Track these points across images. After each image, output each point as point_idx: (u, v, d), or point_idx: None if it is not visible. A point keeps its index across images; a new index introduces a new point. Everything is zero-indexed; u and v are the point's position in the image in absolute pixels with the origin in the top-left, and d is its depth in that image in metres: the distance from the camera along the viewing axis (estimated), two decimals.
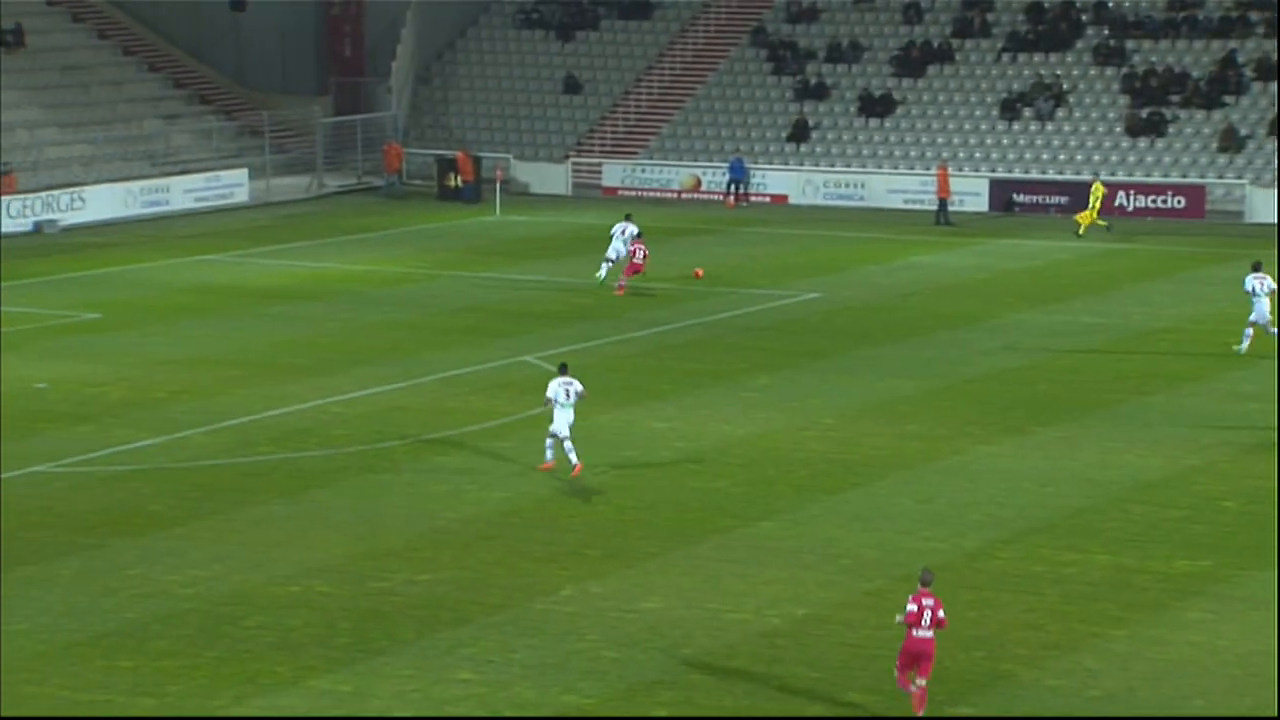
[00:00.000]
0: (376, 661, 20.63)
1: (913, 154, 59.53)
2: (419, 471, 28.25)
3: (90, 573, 23.58)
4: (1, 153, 56.06)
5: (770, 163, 60.09)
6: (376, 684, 20.05)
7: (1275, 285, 35.27)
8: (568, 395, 27.61)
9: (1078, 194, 55.95)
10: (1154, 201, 55.41)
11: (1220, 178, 55.99)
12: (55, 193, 54.63)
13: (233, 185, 58.94)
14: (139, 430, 30.62)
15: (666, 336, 38.26)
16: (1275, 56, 58.14)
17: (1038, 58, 61.00)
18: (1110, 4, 61.74)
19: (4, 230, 51.86)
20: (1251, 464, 28.48)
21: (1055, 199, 56.19)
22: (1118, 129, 58.39)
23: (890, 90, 61.32)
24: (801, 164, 59.94)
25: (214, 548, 24.55)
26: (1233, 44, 59.24)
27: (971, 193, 56.25)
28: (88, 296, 43.12)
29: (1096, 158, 57.89)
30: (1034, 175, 57.54)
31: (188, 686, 20.00)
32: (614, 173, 60.93)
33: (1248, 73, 58.33)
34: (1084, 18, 61.64)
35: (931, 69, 61.69)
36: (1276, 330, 35.38)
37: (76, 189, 55.38)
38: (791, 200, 58.50)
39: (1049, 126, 59.15)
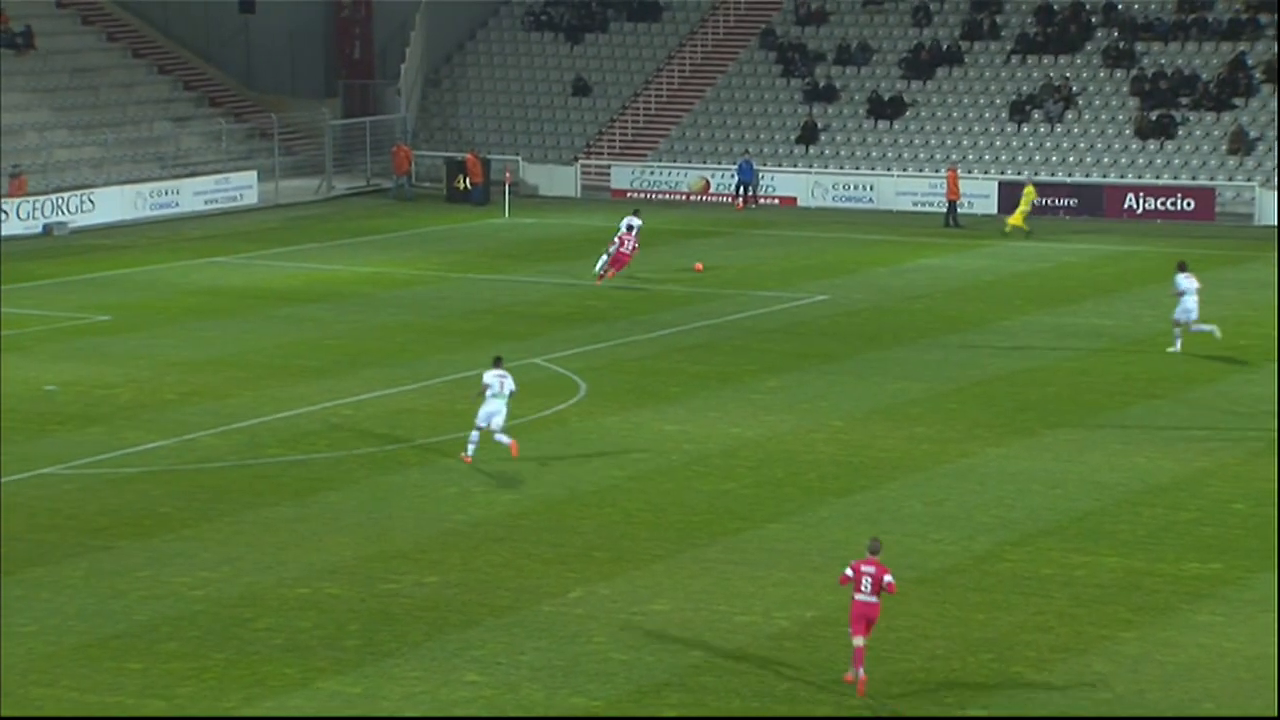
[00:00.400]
0: (385, 663, 20.64)
1: (922, 156, 59.50)
2: (428, 474, 28.26)
3: (99, 574, 23.61)
4: (12, 155, 56.18)
5: (779, 165, 60.07)
6: (385, 686, 20.07)
7: (1199, 285, 35.96)
8: (501, 386, 27.99)
9: (1088, 196, 55.98)
10: (1163, 204, 55.35)
11: (1230, 180, 55.93)
12: (65, 195, 54.71)
13: (242, 187, 59.01)
14: (149, 432, 30.66)
15: (675, 339, 38.25)
16: None
17: (1047, 60, 60.96)
18: (1119, 6, 61.68)
19: (14, 232, 51.97)
20: (1261, 466, 28.43)
21: (1065, 201, 56.14)
22: (1127, 131, 58.34)
23: (899, 92, 61.30)
24: (810, 166, 59.93)
25: (223, 550, 24.57)
26: (1242, 46, 59.17)
27: (980, 195, 56.21)
28: (97, 298, 43.18)
29: (1106, 160, 57.84)
30: (1043, 177, 57.47)
31: (197, 688, 20.02)
32: (623, 175, 60.94)
33: (1257, 75, 58.26)
34: (1093, 20, 61.60)
35: (940, 71, 61.66)
36: (1207, 329, 35.82)
37: (86, 191, 55.46)
38: (800, 202, 58.48)
39: (1058, 129, 59.10)
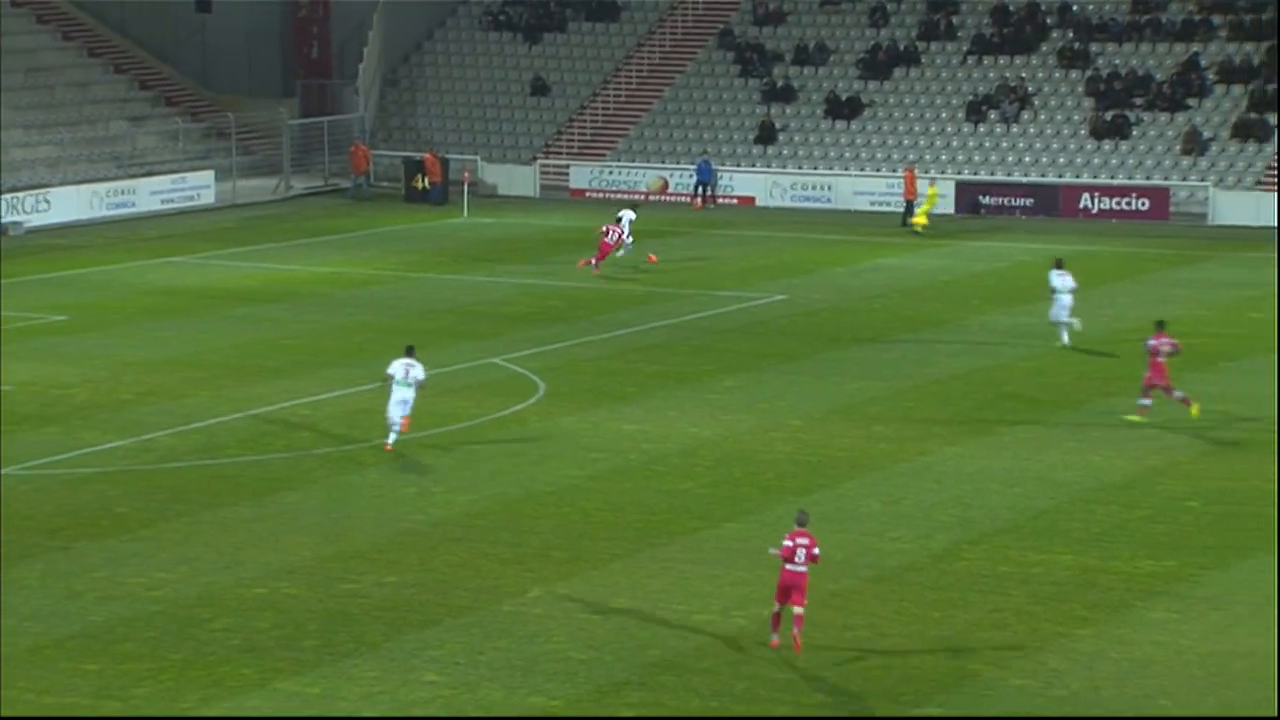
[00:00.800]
0: (344, 664, 20.62)
1: (879, 156, 59.70)
2: (386, 474, 28.23)
3: (55, 575, 23.50)
4: None
5: (737, 165, 60.18)
6: (344, 686, 20.05)
7: (1075, 284, 36.77)
8: (406, 374, 28.37)
9: (1043, 196, 56.27)
10: (1118, 204, 55.70)
11: (1184, 180, 56.32)
12: (20, 194, 54.38)
13: (199, 187, 58.77)
14: (105, 432, 30.53)
15: (633, 338, 38.30)
16: (1237, 60, 58.51)
17: (1003, 60, 61.25)
18: (1074, 7, 62.02)
19: None
20: (1214, 464, 28.67)
21: (1021, 201, 56.42)
22: (1082, 131, 58.67)
23: (857, 93, 61.50)
24: (769, 166, 60.06)
25: (180, 550, 24.50)
26: (1195, 47, 59.57)
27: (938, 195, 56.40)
28: (53, 298, 42.94)
29: (1061, 160, 58.15)
30: (999, 177, 57.77)
31: (154, 689, 19.96)
32: (582, 175, 60.95)
33: (1210, 75, 58.68)
34: (1048, 21, 61.91)
35: (898, 71, 61.89)
36: (1075, 323, 36.65)
37: (42, 191, 55.14)
38: (759, 202, 58.60)
39: (1014, 129, 59.38)
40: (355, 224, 55.40)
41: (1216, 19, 60.12)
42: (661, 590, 22.92)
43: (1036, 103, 59.72)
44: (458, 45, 67.27)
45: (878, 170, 58.81)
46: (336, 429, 30.71)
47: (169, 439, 30.20)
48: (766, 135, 60.97)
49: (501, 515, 26.08)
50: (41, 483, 27.72)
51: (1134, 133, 58.07)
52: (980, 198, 56.81)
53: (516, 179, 61.67)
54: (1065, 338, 36.74)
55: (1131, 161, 57.45)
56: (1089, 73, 59.86)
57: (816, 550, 20.95)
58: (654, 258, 45.74)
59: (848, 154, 60.08)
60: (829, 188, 58.29)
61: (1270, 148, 56.11)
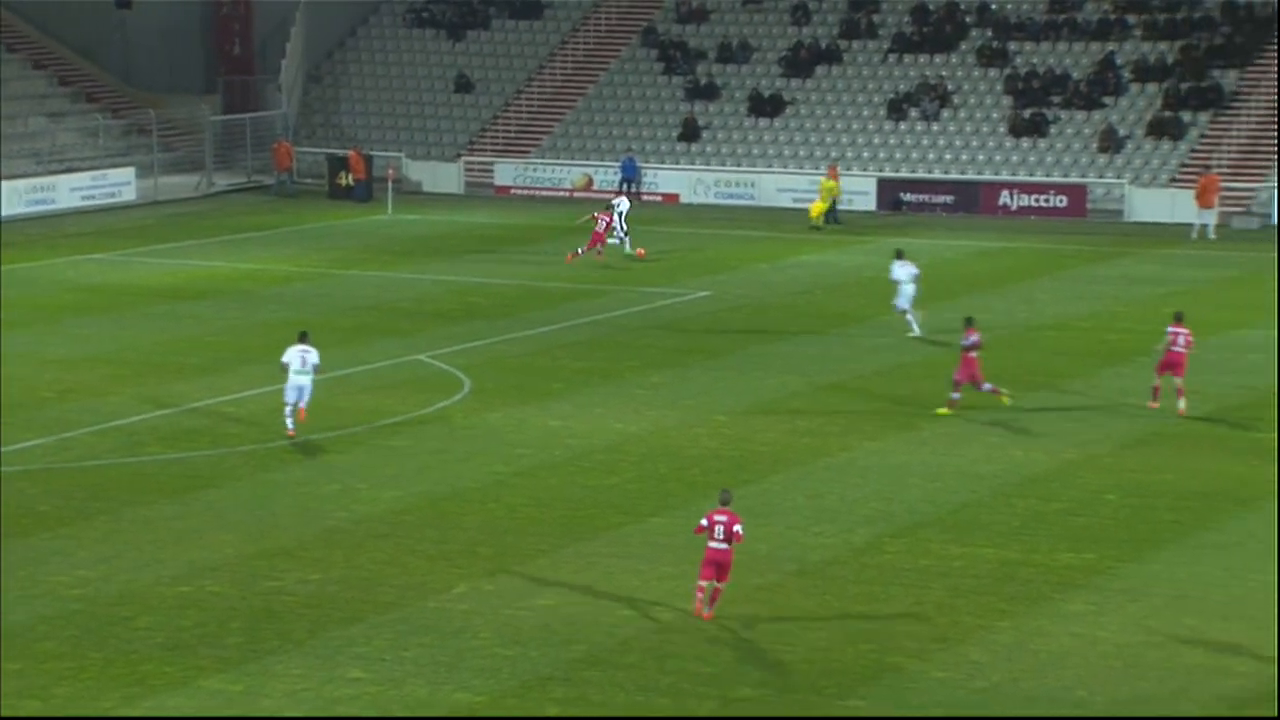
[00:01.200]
0: (268, 661, 20.58)
1: (802, 153, 60.04)
2: (310, 471, 28.17)
3: None
4: None
5: (661, 162, 60.35)
6: (268, 683, 20.01)
7: (917, 270, 37.87)
8: (303, 363, 28.76)
9: (963, 193, 56.78)
10: (1036, 200, 56.29)
11: (1100, 177, 56.98)
12: None
13: (120, 184, 58.31)
14: (25, 430, 30.28)
15: (558, 335, 38.37)
16: (1152, 59, 59.26)
17: (923, 59, 61.74)
18: (993, 6, 62.61)
19: None
20: (1131, 458, 29.08)
21: (942, 198, 56.92)
22: (1001, 129, 59.24)
23: (779, 90, 61.81)
24: (693, 163, 60.26)
25: (102, 548, 24.36)
26: (1111, 46, 60.30)
27: (860, 192, 56.84)
28: None
29: (981, 157, 58.69)
30: (920, 174, 58.24)
31: (75, 688, 19.85)
32: (506, 172, 60.93)
33: (1126, 74, 59.41)
34: (968, 20, 62.48)
35: (820, 69, 62.25)
36: (915, 316, 37.53)
37: None
38: (683, 199, 58.80)
39: (934, 126, 59.88)
40: (278, 221, 55.13)
41: (1131, 18, 60.86)
42: (587, 585, 23.01)
43: (956, 100, 60.25)
44: (381, 42, 67.06)
45: (800, 168, 59.13)
46: (259, 426, 30.60)
47: (90, 437, 30.00)
48: (690, 133, 61.17)
49: (427, 512, 26.10)
50: None
51: (1052, 130, 58.70)
52: (901, 194, 57.27)
53: (441, 176, 61.58)
54: (916, 328, 37.39)
55: (1050, 159, 58.08)
56: (1007, 71, 60.45)
57: (738, 527, 21.50)
58: (642, 251, 46.28)
59: (771, 151, 60.38)
60: (752, 185, 58.56)
61: (1184, 145, 56.92)
